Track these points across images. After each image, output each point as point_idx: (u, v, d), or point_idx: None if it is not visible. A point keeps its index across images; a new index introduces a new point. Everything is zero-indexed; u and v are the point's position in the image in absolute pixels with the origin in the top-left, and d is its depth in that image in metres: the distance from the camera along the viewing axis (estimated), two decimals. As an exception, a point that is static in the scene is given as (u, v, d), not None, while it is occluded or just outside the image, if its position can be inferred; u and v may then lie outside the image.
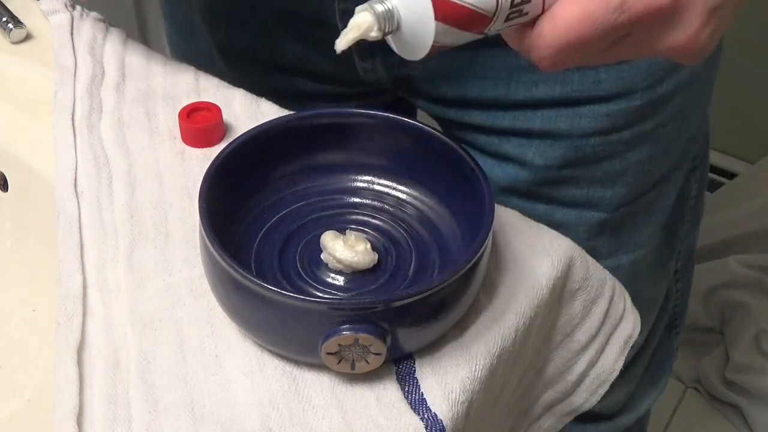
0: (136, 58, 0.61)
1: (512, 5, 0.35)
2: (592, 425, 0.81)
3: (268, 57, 0.64)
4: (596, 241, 0.62)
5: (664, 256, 0.71)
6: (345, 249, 0.45)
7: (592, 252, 0.54)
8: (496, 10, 0.35)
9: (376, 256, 0.46)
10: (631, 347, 0.70)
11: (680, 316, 0.80)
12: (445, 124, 0.63)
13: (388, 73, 0.59)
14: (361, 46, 0.57)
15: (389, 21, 0.36)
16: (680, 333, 0.82)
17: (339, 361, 0.41)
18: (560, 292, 0.51)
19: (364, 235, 0.47)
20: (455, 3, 0.34)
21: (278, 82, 0.65)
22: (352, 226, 0.49)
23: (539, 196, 0.60)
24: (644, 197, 0.62)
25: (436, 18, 0.34)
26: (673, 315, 0.79)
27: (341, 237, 0.46)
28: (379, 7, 0.36)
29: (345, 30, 0.36)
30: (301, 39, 0.62)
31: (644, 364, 0.77)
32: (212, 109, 0.55)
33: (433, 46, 0.35)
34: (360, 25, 0.36)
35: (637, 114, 0.56)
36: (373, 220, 0.49)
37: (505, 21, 0.36)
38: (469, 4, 0.35)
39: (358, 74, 0.61)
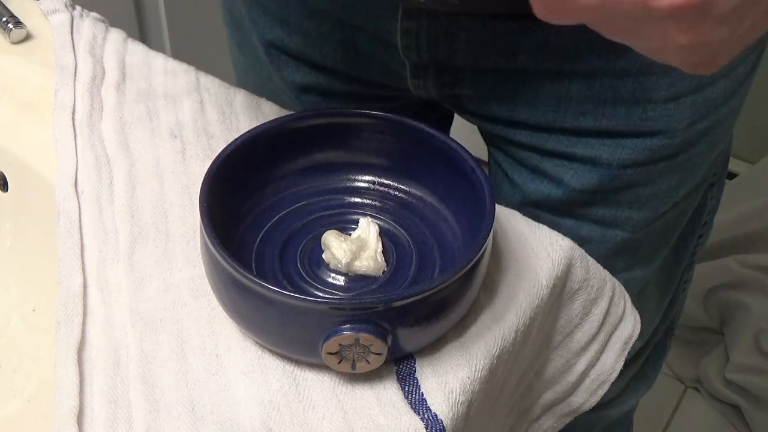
0: (136, 57, 0.61)
1: None
2: (582, 413, 0.81)
3: (318, 59, 0.64)
4: (615, 257, 0.62)
5: (675, 266, 0.72)
6: (350, 254, 0.45)
7: (609, 266, 0.54)
8: None
9: (384, 264, 0.46)
10: (629, 350, 0.71)
11: (678, 318, 0.81)
12: (488, 136, 0.63)
13: (439, 91, 0.59)
14: (414, 64, 0.57)
15: None
16: (675, 333, 0.83)
17: (340, 361, 0.41)
18: (560, 293, 0.51)
19: (377, 226, 0.47)
20: None
21: (324, 82, 0.65)
22: (369, 213, 0.49)
23: (568, 213, 0.60)
24: (665, 216, 0.62)
25: None
26: (673, 319, 0.80)
27: (344, 238, 0.46)
28: None
29: None
30: (354, 49, 0.61)
31: (639, 364, 0.78)
32: None
33: None
34: None
35: (676, 148, 0.57)
36: (374, 220, 0.49)
37: None
38: None
39: (407, 88, 0.61)
